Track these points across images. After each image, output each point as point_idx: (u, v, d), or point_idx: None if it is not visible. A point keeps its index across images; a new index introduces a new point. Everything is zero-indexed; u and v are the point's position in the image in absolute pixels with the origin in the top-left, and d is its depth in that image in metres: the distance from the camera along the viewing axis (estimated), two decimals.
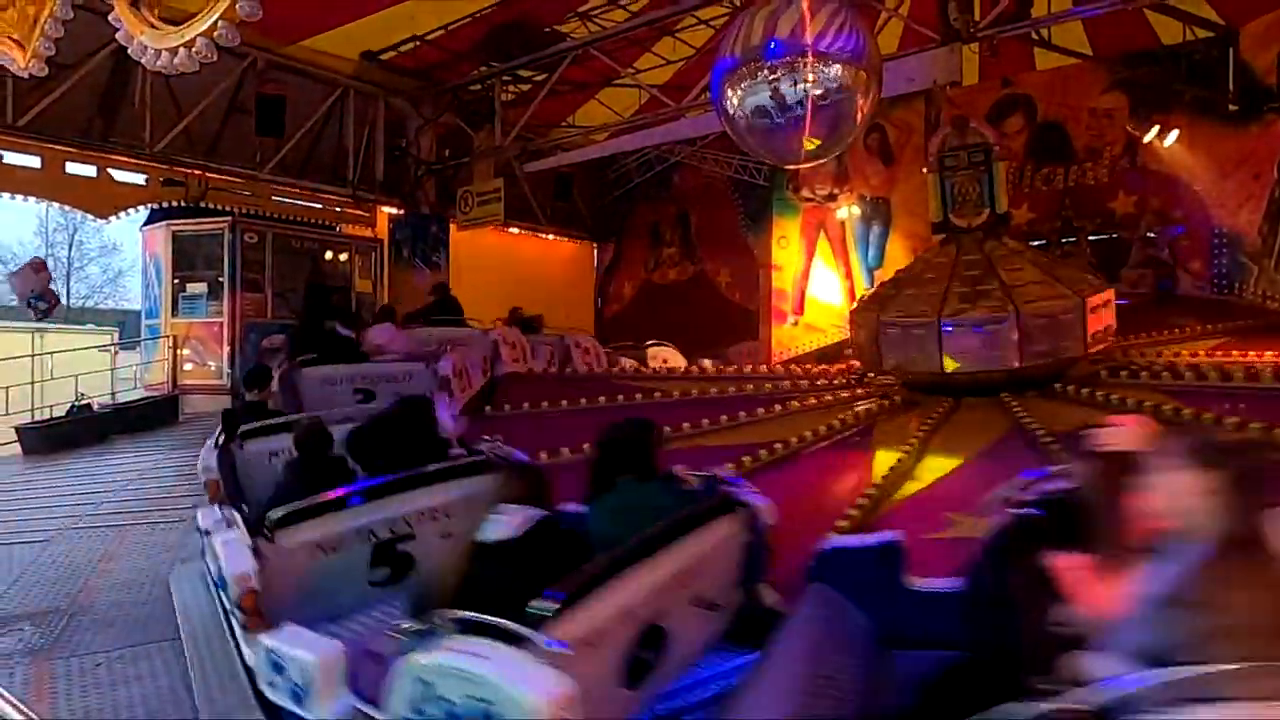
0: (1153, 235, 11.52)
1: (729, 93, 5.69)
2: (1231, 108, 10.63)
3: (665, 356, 11.85)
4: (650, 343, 12.58)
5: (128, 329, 19.83)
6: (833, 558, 3.32)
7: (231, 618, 3.69)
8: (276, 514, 3.60)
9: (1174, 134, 10.82)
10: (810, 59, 5.23)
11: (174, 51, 3.30)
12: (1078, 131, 11.91)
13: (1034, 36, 10.33)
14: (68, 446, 9.36)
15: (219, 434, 5.15)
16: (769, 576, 3.50)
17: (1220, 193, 10.86)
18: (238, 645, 3.66)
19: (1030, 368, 6.90)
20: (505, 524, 2.77)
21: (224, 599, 3.81)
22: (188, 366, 11.36)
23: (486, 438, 4.58)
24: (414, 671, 2.32)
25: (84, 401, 10.69)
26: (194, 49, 3.30)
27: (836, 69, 5.28)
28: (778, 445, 5.79)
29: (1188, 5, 9.99)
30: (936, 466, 5.32)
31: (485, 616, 2.31)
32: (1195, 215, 11.10)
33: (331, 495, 3.83)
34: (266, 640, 3.17)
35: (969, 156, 7.83)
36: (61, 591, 5.54)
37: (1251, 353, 7.67)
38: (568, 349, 10.43)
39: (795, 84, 5.31)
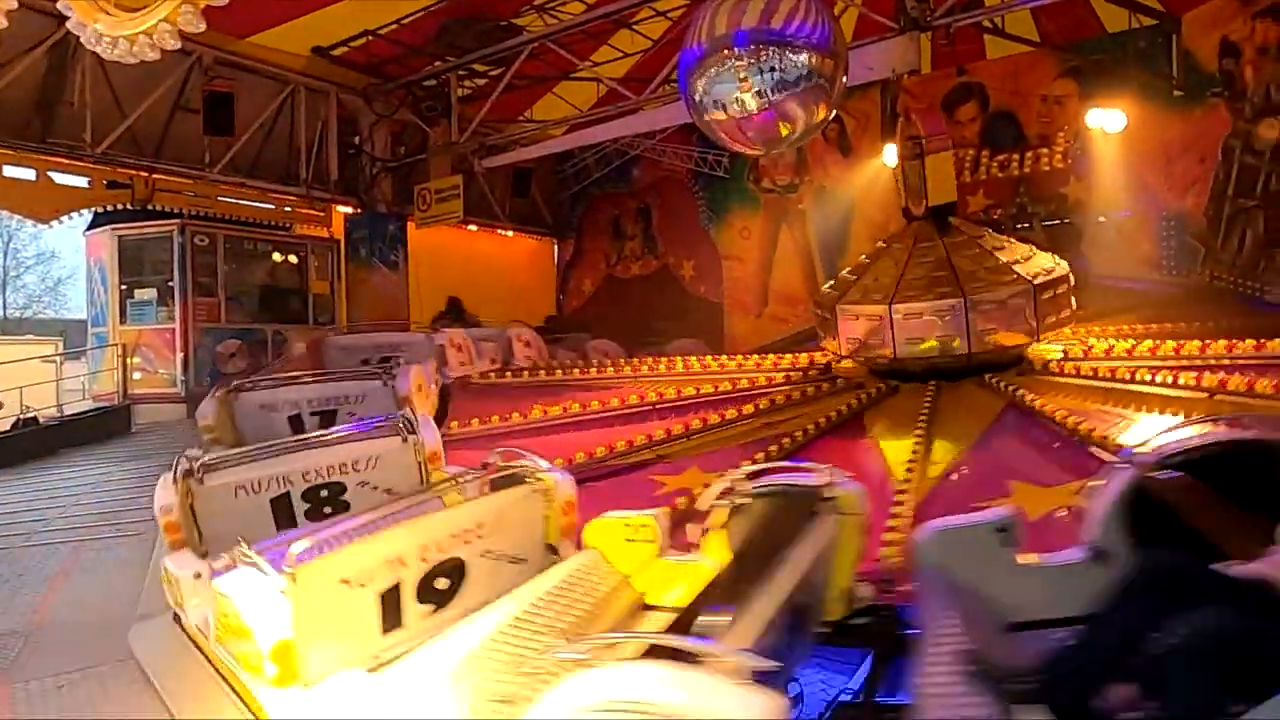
0: (1103, 219, 11.79)
1: (696, 82, 5.65)
2: (1176, 93, 10.92)
3: (606, 350, 11.68)
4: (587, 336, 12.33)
5: (71, 338, 19.12)
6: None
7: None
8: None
9: (1121, 120, 11.08)
10: (777, 46, 5.21)
11: (132, 40, 3.11)
12: (1029, 119, 12.13)
13: (987, 25, 10.48)
14: (15, 461, 8.97)
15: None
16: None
17: (1167, 177, 11.15)
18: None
19: (983, 353, 7.03)
20: None
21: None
22: (138, 375, 10.98)
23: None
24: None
25: (29, 414, 10.26)
26: (155, 36, 3.11)
27: (804, 56, 5.27)
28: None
29: None
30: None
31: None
32: (1144, 199, 11.38)
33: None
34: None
35: (912, 147, 7.98)
36: (16, 612, 5.31)
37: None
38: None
39: (763, 72, 5.28)
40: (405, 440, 5.08)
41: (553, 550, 3.84)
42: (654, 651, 2.00)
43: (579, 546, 3.83)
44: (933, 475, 5.15)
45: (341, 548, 3.08)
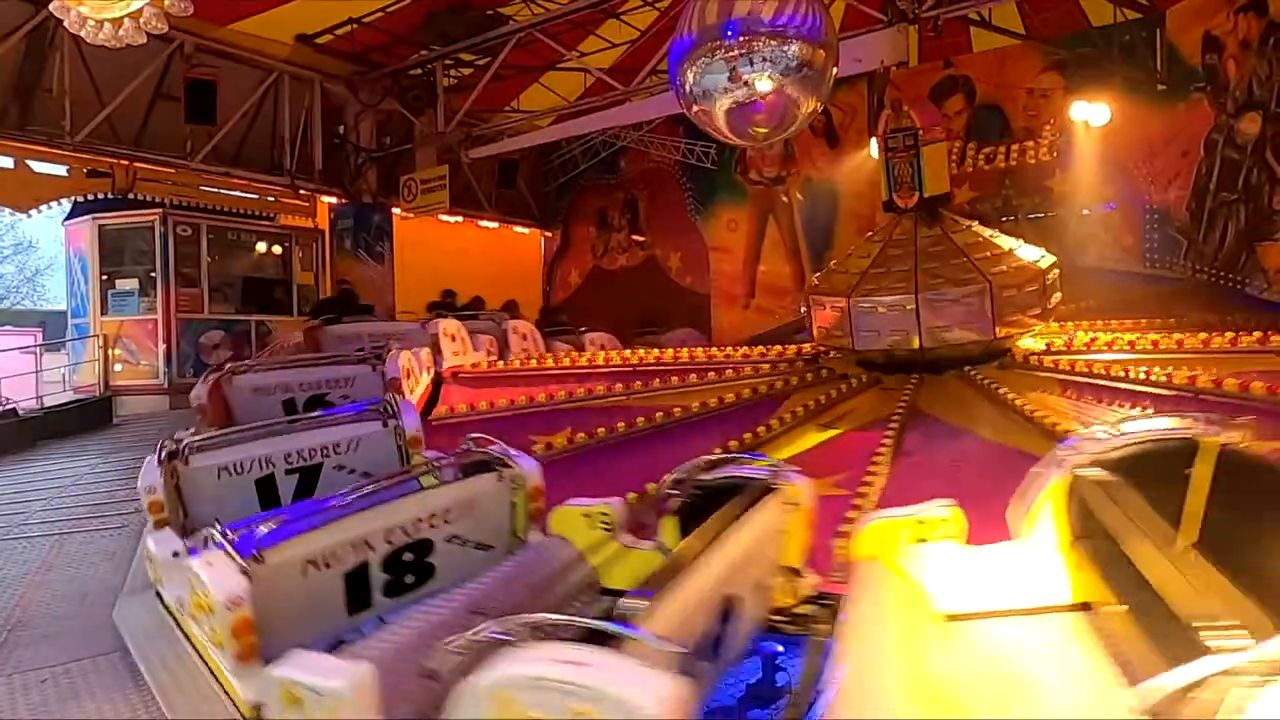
0: (1088, 212, 11.89)
1: (687, 73, 5.64)
2: (1160, 87, 11.00)
3: (602, 342, 11.72)
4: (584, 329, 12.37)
5: (51, 329, 18.89)
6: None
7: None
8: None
9: (1107, 113, 11.16)
10: (768, 37, 5.20)
11: (118, 23, 3.04)
12: (1015, 111, 12.19)
13: (973, 17, 10.51)
14: None
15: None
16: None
17: (1151, 170, 11.24)
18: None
19: (936, 349, 7.04)
20: None
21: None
22: (120, 367, 10.87)
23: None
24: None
25: (8, 406, 10.13)
26: (141, 19, 3.05)
27: (795, 47, 5.26)
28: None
29: None
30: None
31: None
32: (1127, 193, 11.47)
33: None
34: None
35: (903, 139, 7.96)
36: None
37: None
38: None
39: (754, 63, 5.27)
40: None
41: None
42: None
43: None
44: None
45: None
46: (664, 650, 2.00)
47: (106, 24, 3.02)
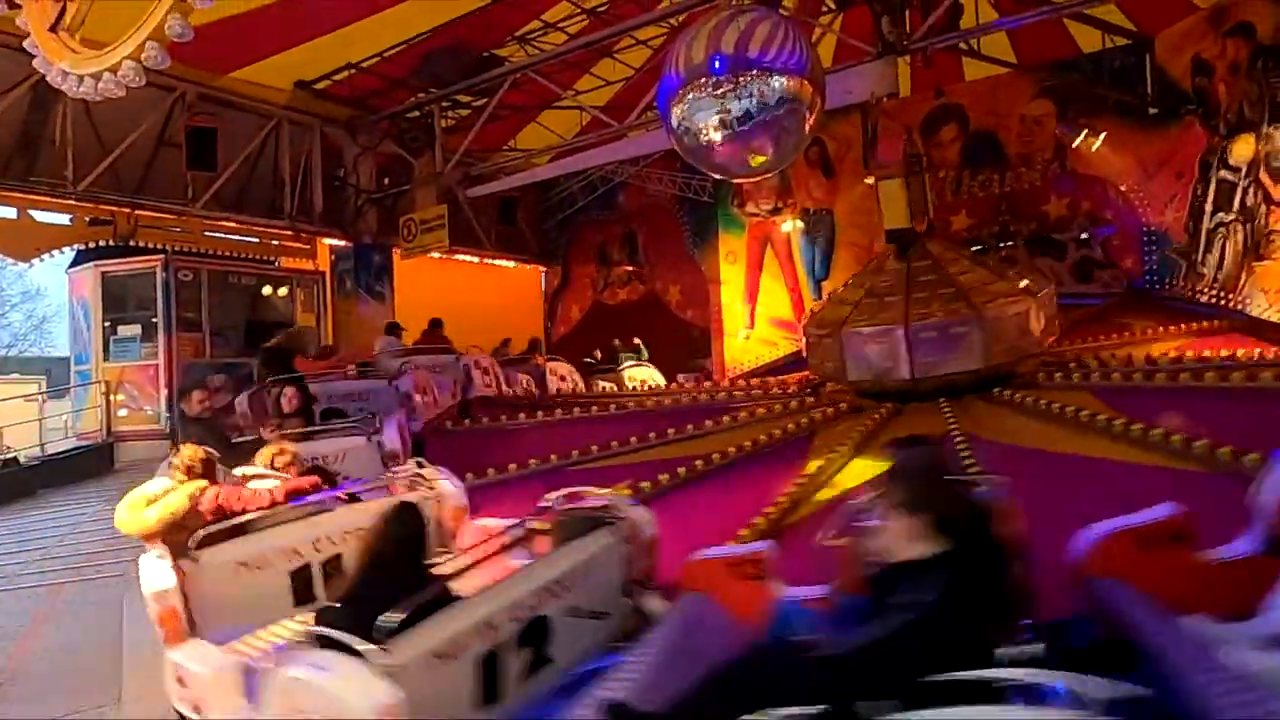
0: (1086, 236, 11.91)
1: (676, 110, 5.69)
2: (1151, 111, 11.08)
3: (562, 372, 11.75)
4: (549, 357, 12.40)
5: (55, 376, 18.97)
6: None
7: None
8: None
9: (1100, 137, 11.23)
10: (755, 73, 5.25)
11: (98, 77, 3.08)
12: (1009, 138, 12.28)
13: (963, 47, 10.63)
14: None
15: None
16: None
17: (1146, 193, 11.28)
18: None
19: (927, 380, 6.91)
20: None
21: None
22: (122, 412, 10.87)
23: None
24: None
25: (9, 454, 10.14)
26: (120, 73, 3.09)
27: (781, 82, 5.31)
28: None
29: (1105, 14, 10.39)
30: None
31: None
32: (1125, 215, 11.50)
33: None
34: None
35: (890, 169, 8.04)
36: None
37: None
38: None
39: (742, 98, 5.32)
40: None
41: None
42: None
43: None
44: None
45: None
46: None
47: (87, 78, 3.06)
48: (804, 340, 8.08)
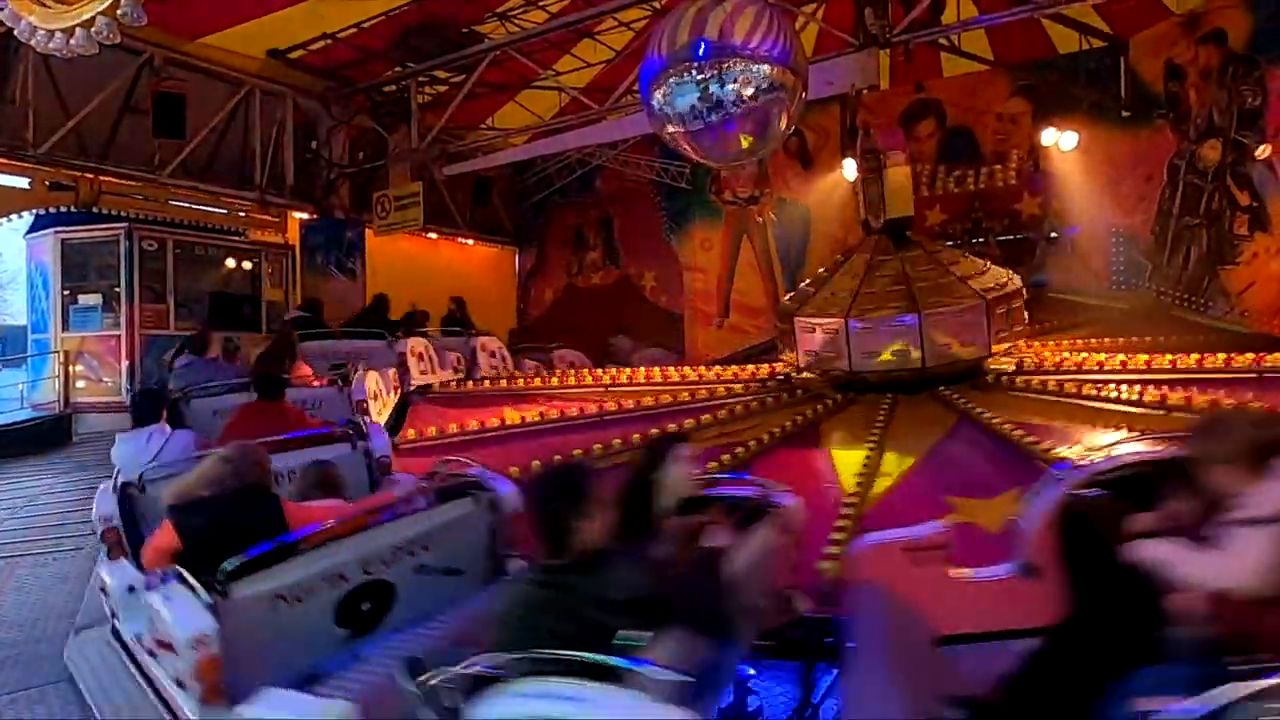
0: (1055, 235, 12.08)
1: (658, 93, 5.65)
2: (1124, 113, 11.23)
3: (571, 360, 11.77)
4: (554, 345, 12.40)
5: (11, 344, 18.47)
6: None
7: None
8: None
9: (1073, 138, 11.37)
10: (739, 59, 5.23)
11: (69, 33, 2.96)
12: (985, 136, 12.39)
13: (943, 43, 10.68)
14: None
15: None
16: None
17: (1116, 194, 11.46)
18: None
19: (938, 365, 7.11)
20: None
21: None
22: (81, 384, 10.61)
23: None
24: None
25: None
26: (93, 29, 2.96)
27: (765, 68, 5.29)
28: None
29: (1081, 15, 10.49)
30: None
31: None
32: (1094, 216, 11.67)
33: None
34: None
35: (871, 163, 8.15)
36: None
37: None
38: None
39: (725, 84, 5.29)
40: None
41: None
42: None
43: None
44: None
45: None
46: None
47: (58, 34, 2.95)
48: (780, 329, 8.13)
